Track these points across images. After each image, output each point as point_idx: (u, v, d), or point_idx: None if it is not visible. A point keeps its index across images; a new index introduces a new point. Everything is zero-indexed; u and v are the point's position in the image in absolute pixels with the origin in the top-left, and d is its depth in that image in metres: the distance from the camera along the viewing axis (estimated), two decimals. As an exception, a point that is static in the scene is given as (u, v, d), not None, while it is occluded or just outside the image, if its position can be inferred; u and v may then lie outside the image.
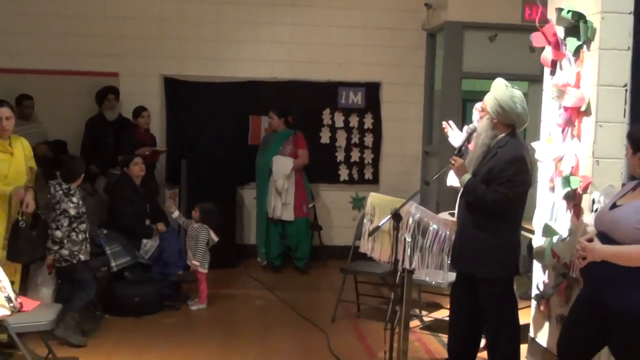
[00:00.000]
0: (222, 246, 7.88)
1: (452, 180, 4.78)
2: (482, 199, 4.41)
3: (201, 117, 8.68)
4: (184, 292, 6.91)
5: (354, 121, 8.91)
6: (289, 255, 8.30)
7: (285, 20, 8.72)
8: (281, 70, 8.75)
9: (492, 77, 8.49)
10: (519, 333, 4.63)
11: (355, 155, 8.95)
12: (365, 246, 4.95)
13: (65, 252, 5.59)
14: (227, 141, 8.68)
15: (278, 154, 8.04)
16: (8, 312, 4.33)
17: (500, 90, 4.52)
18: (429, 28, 8.70)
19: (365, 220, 5.00)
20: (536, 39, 5.14)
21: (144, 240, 6.61)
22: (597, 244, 3.66)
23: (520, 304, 6.00)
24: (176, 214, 6.77)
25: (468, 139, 4.64)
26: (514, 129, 4.55)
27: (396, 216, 4.38)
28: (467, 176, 4.50)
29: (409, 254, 4.57)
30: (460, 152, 4.62)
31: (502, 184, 4.35)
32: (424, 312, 6.55)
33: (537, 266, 5.32)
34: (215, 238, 6.71)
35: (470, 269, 4.53)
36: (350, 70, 8.83)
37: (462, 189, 4.55)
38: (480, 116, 4.62)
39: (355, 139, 8.93)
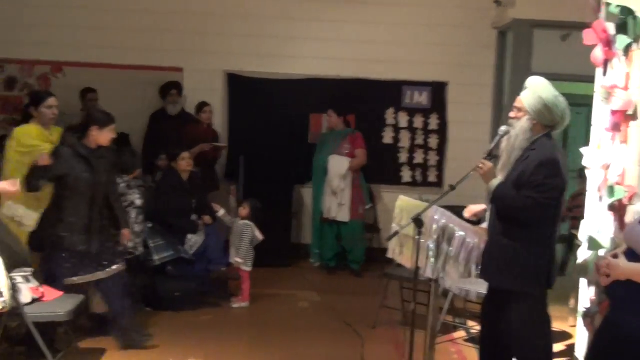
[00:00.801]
0: (277, 245, 7.86)
1: None
2: (511, 206, 4.10)
3: (262, 113, 8.64)
4: (230, 289, 6.87)
5: (418, 122, 8.65)
6: (344, 257, 8.13)
7: (349, 18, 8.56)
8: (344, 68, 8.59)
9: (564, 78, 8.12)
10: (550, 354, 4.27)
11: (419, 157, 8.70)
12: (392, 251, 4.73)
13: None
14: (287, 139, 8.59)
15: (335, 153, 7.88)
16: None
17: (544, 88, 4.16)
18: (499, 26, 8.34)
19: (393, 225, 4.78)
20: (587, 36, 4.78)
21: (189, 236, 6.59)
22: (621, 260, 3.33)
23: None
24: (221, 212, 6.71)
25: (499, 143, 4.33)
26: (551, 131, 4.21)
27: (417, 221, 4.14)
28: (496, 181, 4.20)
29: (432, 261, 4.32)
30: (491, 155, 4.33)
31: (533, 188, 4.02)
32: (471, 323, 6.25)
33: (583, 282, 4.95)
34: (260, 237, 6.61)
35: (496, 280, 4.23)
36: (416, 70, 8.58)
37: (490, 195, 4.26)
38: (515, 116, 4.27)
39: (419, 140, 8.68)
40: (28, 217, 5.15)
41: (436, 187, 8.59)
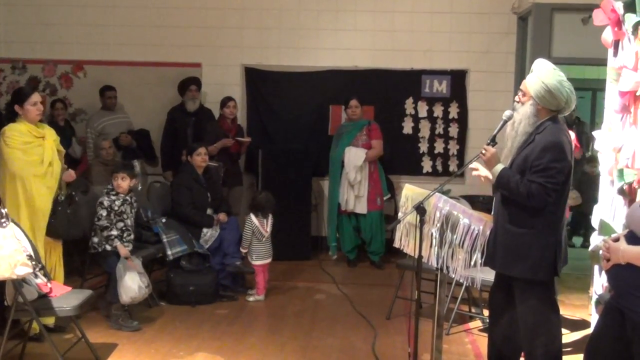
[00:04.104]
0: (296, 238, 7.85)
1: None
2: (515, 191, 3.99)
3: (281, 107, 8.63)
4: (246, 283, 6.85)
5: (438, 111, 8.53)
6: (364, 249, 8.07)
7: (367, 7, 8.49)
8: (363, 59, 8.54)
9: (585, 63, 7.92)
10: (559, 343, 4.15)
11: (439, 147, 8.58)
12: (398, 241, 4.65)
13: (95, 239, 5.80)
14: (307, 131, 8.56)
15: (351, 145, 7.81)
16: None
17: (548, 73, 4.06)
18: (519, 11, 8.18)
19: (400, 213, 4.70)
20: (597, 16, 4.66)
21: (204, 230, 6.58)
22: (622, 243, 3.23)
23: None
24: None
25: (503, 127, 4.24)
26: (557, 115, 4.10)
27: (420, 209, 4.06)
28: (499, 166, 4.11)
29: (435, 250, 4.24)
30: (494, 141, 4.23)
31: (537, 172, 3.92)
32: (488, 313, 6.14)
33: (596, 268, 4.83)
34: (263, 231, 6.49)
35: (503, 267, 4.13)
36: (435, 58, 8.47)
37: (494, 181, 4.17)
38: (519, 101, 4.17)
39: (439, 129, 8.56)
40: None
41: (457, 177, 8.46)
